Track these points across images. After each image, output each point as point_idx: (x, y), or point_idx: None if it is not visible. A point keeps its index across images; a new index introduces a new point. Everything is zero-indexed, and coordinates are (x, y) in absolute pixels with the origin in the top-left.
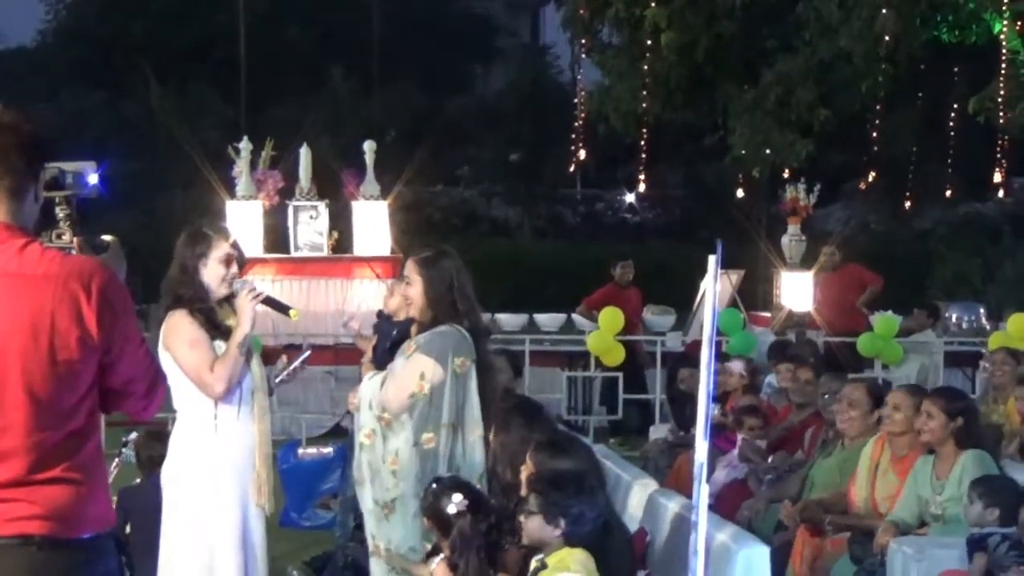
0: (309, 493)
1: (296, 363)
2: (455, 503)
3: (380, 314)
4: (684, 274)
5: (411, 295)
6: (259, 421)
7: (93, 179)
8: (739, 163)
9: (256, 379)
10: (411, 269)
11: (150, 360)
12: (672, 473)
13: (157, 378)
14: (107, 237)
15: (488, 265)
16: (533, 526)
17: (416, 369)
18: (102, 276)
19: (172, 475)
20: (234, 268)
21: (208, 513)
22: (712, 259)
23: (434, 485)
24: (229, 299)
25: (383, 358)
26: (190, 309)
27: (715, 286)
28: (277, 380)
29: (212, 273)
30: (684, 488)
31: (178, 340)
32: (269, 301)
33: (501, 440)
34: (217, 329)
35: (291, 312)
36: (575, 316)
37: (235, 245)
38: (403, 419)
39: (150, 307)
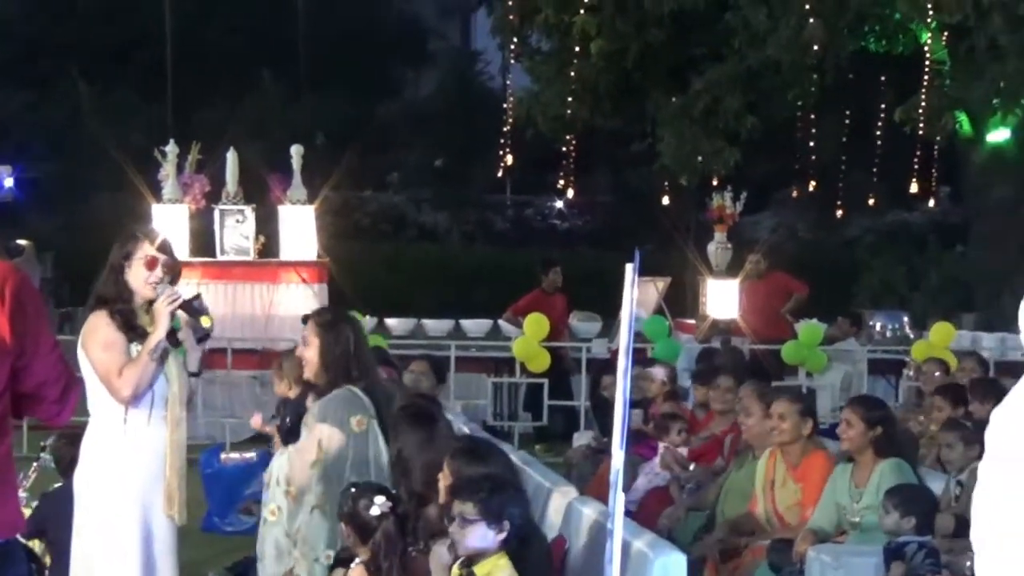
0: (232, 498)
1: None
2: (378, 505)
3: (283, 401)
4: (612, 281)
5: (307, 356)
6: (172, 431)
7: (8, 183)
8: (667, 171)
9: (174, 387)
10: (309, 329)
11: (63, 365)
12: (595, 480)
13: (71, 383)
14: (22, 241)
15: (416, 270)
16: (474, 534)
17: (314, 439)
18: (15, 280)
19: (82, 478)
20: (159, 271)
21: (115, 517)
22: (629, 267)
23: (352, 489)
24: (153, 302)
25: (288, 437)
26: (110, 311)
27: (632, 293)
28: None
29: (135, 275)
30: (606, 495)
31: (94, 341)
32: (185, 306)
33: (398, 448)
34: (135, 332)
35: (203, 319)
36: (501, 322)
37: (164, 248)
38: (311, 491)
39: (77, 310)
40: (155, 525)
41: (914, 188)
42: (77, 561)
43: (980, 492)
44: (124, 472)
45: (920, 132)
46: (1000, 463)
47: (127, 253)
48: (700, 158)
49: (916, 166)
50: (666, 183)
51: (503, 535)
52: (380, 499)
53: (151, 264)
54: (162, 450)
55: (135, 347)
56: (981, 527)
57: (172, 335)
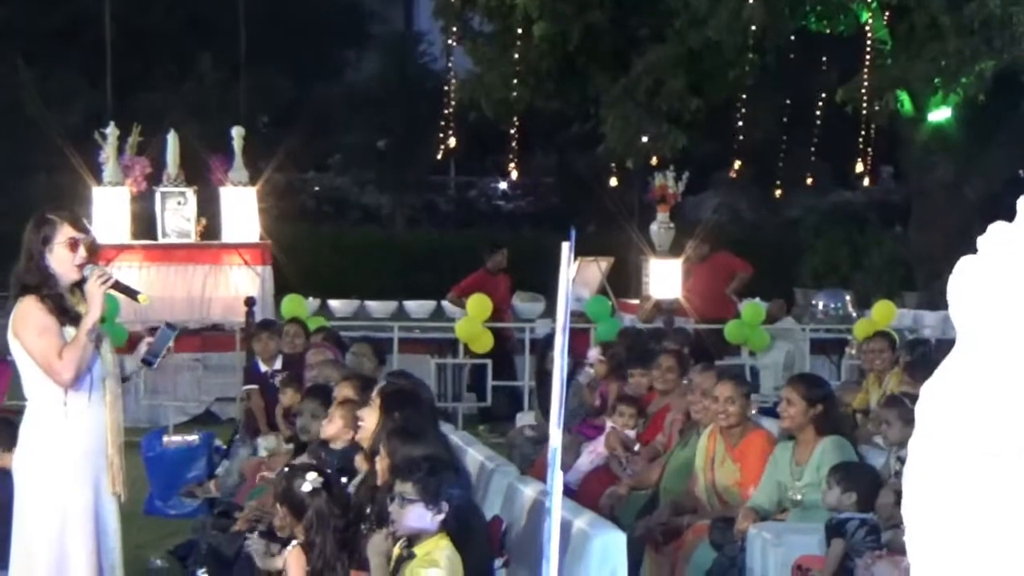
0: (174, 481)
1: (162, 342)
2: (310, 481)
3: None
4: (555, 261)
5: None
6: (111, 409)
7: None
8: (613, 153)
9: (108, 365)
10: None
11: None
12: (538, 460)
13: (1, 366)
14: None
15: (360, 252)
16: (412, 515)
17: None
18: None
19: (23, 462)
20: (81, 252)
21: (59, 500)
22: (565, 245)
23: (286, 469)
24: (80, 284)
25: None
26: (39, 296)
27: (568, 271)
28: (154, 364)
29: (58, 258)
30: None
31: (27, 327)
32: (118, 286)
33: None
34: (67, 315)
35: (139, 297)
36: (445, 303)
37: (83, 228)
38: None
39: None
40: (101, 506)
41: (856, 168)
42: (17, 545)
43: (910, 466)
44: (67, 454)
45: (862, 112)
46: (926, 437)
47: (46, 237)
48: (645, 140)
49: (858, 146)
50: (612, 164)
51: (441, 516)
52: (312, 475)
53: (73, 246)
54: (102, 430)
55: (69, 330)
56: (911, 501)
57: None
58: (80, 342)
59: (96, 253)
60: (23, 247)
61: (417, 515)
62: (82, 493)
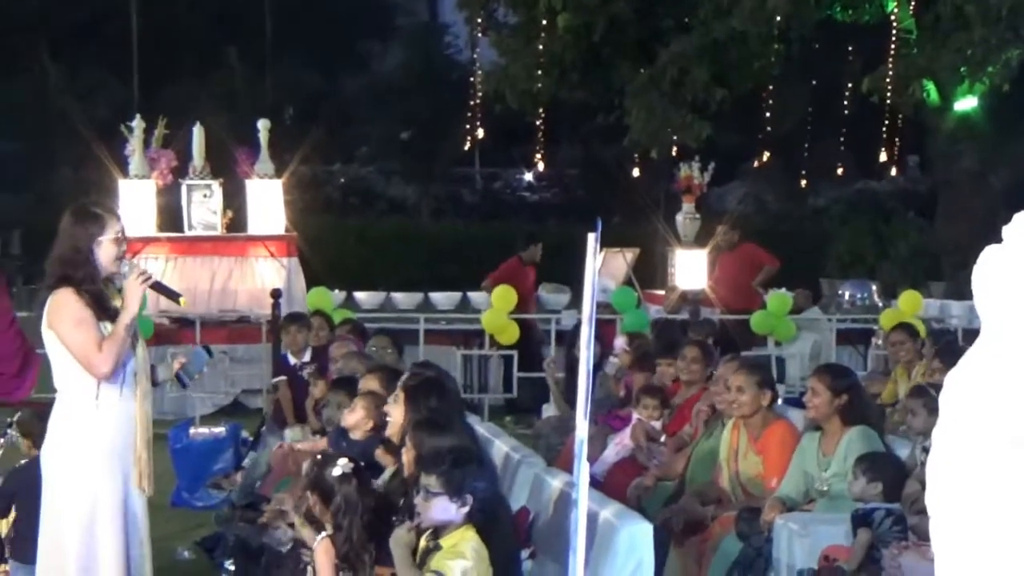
0: (201, 473)
1: (198, 365)
2: (340, 466)
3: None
4: (581, 253)
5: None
6: (141, 403)
7: None
8: (637, 144)
9: (139, 361)
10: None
11: (22, 340)
12: (563, 452)
13: (29, 357)
14: None
15: (386, 244)
16: (437, 507)
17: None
18: None
19: (52, 454)
20: (123, 247)
21: (89, 493)
22: (591, 236)
23: (319, 456)
24: (111, 278)
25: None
26: (77, 288)
27: (594, 264)
28: (188, 385)
29: (106, 253)
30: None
31: (63, 319)
32: (158, 286)
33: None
34: (104, 310)
35: (180, 300)
36: (472, 295)
37: (122, 224)
38: None
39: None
40: (131, 498)
41: (882, 158)
42: (46, 537)
43: (933, 456)
44: (99, 447)
45: (887, 101)
46: (950, 426)
47: (95, 232)
48: (670, 131)
49: (883, 136)
50: (636, 155)
51: (466, 508)
52: (343, 461)
53: (120, 242)
54: (132, 424)
55: (105, 325)
56: (935, 490)
57: None
58: (119, 336)
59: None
60: (65, 238)
61: (442, 507)
62: (111, 486)
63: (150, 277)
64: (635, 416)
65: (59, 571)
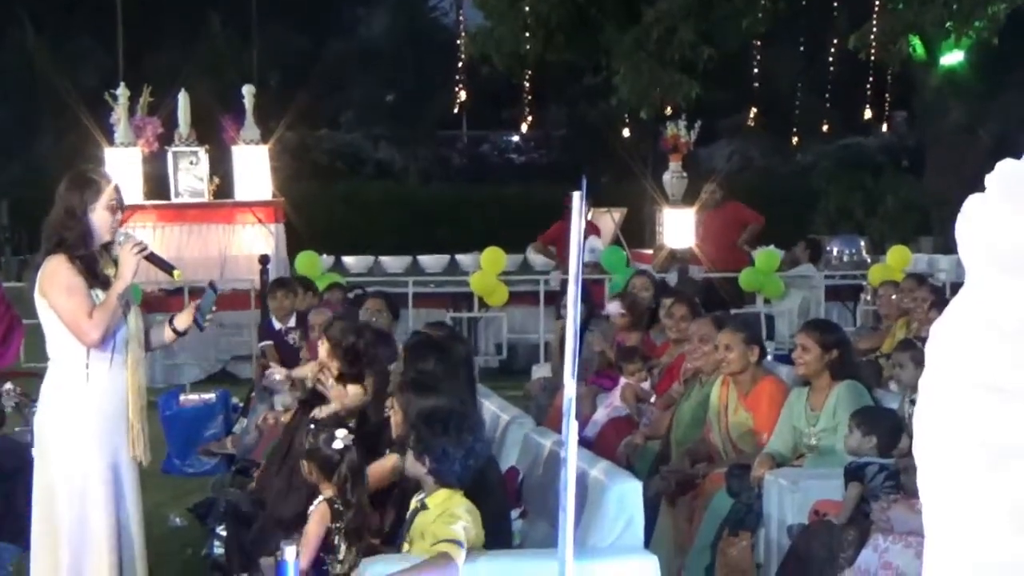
0: (192, 440)
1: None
2: (340, 439)
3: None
4: (569, 213)
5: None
6: (132, 372)
7: None
8: (625, 104)
9: (131, 330)
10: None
11: (6, 307)
12: (553, 411)
13: (13, 324)
14: None
15: (374, 208)
16: (408, 462)
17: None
18: None
19: (43, 422)
20: (119, 215)
21: (78, 460)
22: (576, 195)
23: (312, 426)
24: (107, 247)
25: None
26: (70, 255)
27: (580, 222)
28: (203, 326)
29: (100, 219)
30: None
31: (55, 285)
32: (153, 258)
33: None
34: (96, 278)
35: (175, 273)
36: (460, 257)
37: (117, 191)
38: None
39: (34, 256)
40: (121, 467)
41: (868, 114)
42: (38, 505)
43: (919, 406)
44: (88, 415)
45: (873, 57)
46: (933, 375)
47: (90, 198)
48: (658, 90)
49: (870, 91)
50: (626, 115)
51: (425, 468)
52: (342, 432)
53: (114, 209)
54: (123, 393)
55: (97, 293)
56: (920, 439)
57: None
58: (111, 305)
59: (123, 216)
60: (59, 204)
61: (409, 462)
62: (101, 455)
63: (145, 248)
64: (622, 380)
65: (51, 538)
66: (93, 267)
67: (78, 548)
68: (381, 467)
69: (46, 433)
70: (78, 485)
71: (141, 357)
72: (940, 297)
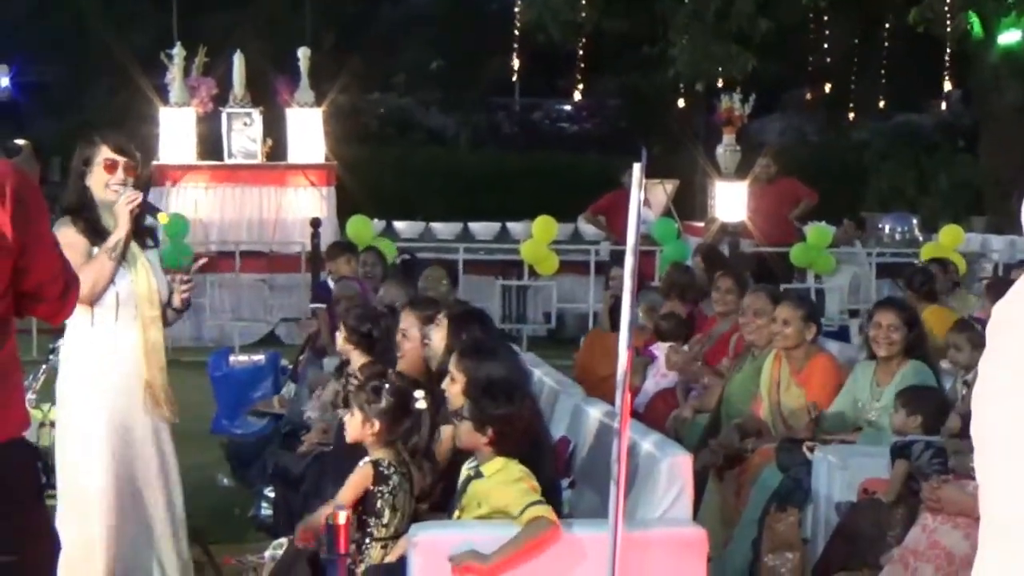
0: (241, 401)
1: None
2: (421, 399)
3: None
4: (619, 183)
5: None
6: (146, 329)
7: (3, 82)
8: (681, 77)
9: (142, 287)
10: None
11: (64, 263)
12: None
13: (71, 281)
14: (20, 141)
15: (424, 174)
16: (463, 431)
17: None
18: (15, 178)
19: (60, 379)
20: (120, 174)
21: (89, 416)
22: (636, 167)
23: (387, 385)
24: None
25: None
26: (73, 218)
27: (639, 194)
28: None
29: (96, 179)
30: (612, 396)
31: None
32: (146, 206)
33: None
34: (100, 236)
35: (159, 215)
36: (511, 225)
37: (124, 150)
38: None
39: None
40: (133, 424)
41: (924, 91)
42: (64, 465)
43: (979, 387)
44: (95, 372)
45: (931, 34)
46: (997, 356)
47: (87, 158)
48: (714, 63)
49: (927, 68)
50: (681, 86)
51: (485, 439)
52: (420, 393)
53: (110, 168)
54: (134, 350)
55: (96, 252)
56: (980, 422)
57: (148, 235)
58: (98, 260)
59: (145, 176)
60: (71, 166)
61: (467, 431)
62: (105, 411)
63: (137, 199)
64: (664, 345)
65: (71, 486)
66: (97, 227)
67: (72, 505)
68: (443, 443)
69: (61, 390)
70: (90, 441)
71: (157, 315)
72: (996, 279)
